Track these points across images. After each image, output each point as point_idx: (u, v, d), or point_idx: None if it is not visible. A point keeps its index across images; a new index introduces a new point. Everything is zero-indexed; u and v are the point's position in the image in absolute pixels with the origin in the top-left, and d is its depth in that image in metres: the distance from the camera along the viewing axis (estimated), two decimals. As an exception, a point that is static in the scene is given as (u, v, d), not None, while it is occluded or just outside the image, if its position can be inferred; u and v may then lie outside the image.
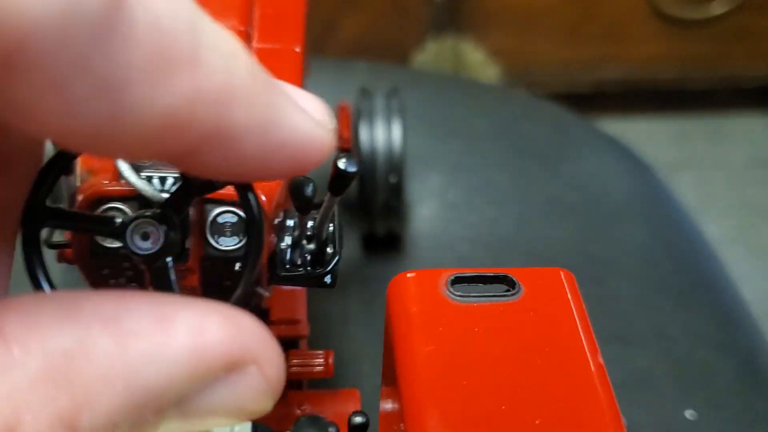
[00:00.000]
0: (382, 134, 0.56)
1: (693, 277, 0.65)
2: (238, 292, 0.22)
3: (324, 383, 0.37)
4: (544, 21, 1.53)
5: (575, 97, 1.40)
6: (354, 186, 0.39)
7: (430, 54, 1.60)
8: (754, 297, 0.68)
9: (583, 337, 0.25)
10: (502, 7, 1.52)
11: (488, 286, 0.27)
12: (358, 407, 0.33)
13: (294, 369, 0.33)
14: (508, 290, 0.26)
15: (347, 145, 0.57)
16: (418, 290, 0.26)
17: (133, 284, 0.31)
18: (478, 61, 1.61)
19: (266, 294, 0.30)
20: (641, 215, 0.70)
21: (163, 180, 0.28)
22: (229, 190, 0.29)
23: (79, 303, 0.15)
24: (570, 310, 0.26)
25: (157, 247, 0.23)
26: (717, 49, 1.54)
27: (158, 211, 0.23)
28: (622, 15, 1.52)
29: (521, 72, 1.57)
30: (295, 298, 0.37)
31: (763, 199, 1.48)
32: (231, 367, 0.16)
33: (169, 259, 0.24)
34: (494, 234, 0.66)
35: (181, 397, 0.15)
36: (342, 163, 0.27)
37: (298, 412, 0.33)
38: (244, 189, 0.22)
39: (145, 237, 0.23)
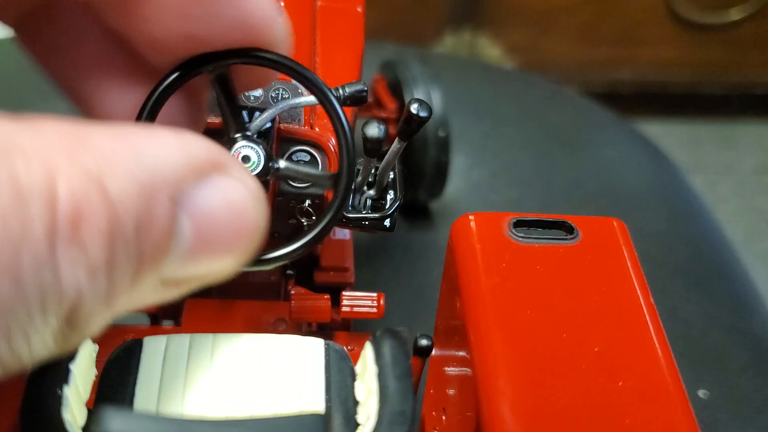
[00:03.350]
0: (425, 95, 0.58)
1: (709, 265, 0.67)
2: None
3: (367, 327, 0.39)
4: (561, 20, 1.54)
5: (588, 96, 1.41)
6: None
7: (448, 48, 1.61)
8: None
9: (634, 279, 0.27)
10: (520, 4, 1.53)
11: (547, 231, 0.28)
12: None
13: (347, 309, 0.35)
14: (567, 235, 0.28)
15: (394, 116, 0.58)
16: (481, 230, 0.28)
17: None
18: (494, 56, 1.62)
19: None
20: (660, 203, 0.71)
21: (251, 114, 0.29)
22: (307, 131, 0.31)
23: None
24: (623, 255, 0.28)
25: (257, 169, 0.25)
26: (732, 56, 1.55)
27: (260, 138, 0.25)
28: (638, 17, 1.53)
29: (536, 69, 1.58)
30: (343, 248, 0.39)
31: (771, 206, 1.50)
32: (215, 167, 0.19)
33: None
34: (517, 214, 0.67)
35: (181, 184, 0.19)
36: (414, 108, 0.28)
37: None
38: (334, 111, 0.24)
39: (246, 160, 0.25)
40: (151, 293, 0.19)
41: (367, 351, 0.23)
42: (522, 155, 0.73)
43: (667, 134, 1.60)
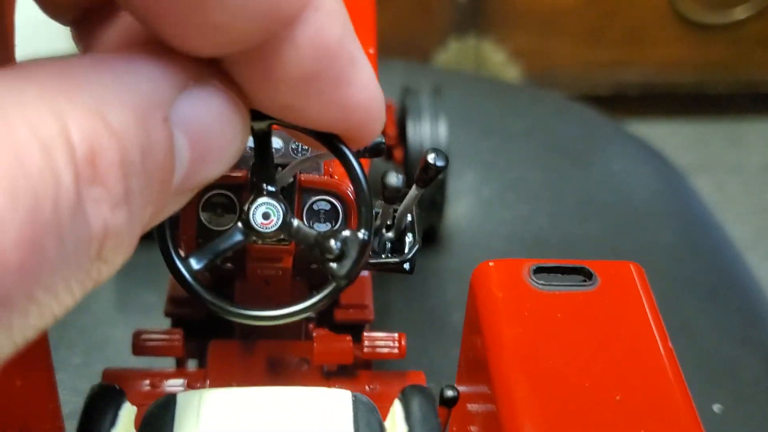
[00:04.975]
0: (429, 130, 0.59)
1: (719, 276, 0.67)
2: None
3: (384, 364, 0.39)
4: (566, 23, 1.55)
5: (595, 98, 1.42)
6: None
7: (452, 53, 1.62)
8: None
9: (653, 324, 0.28)
10: (524, 8, 1.53)
11: (566, 276, 0.29)
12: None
13: (368, 350, 0.36)
14: (585, 280, 0.28)
15: (392, 142, 0.59)
16: (502, 278, 0.28)
17: (229, 265, 0.33)
18: (499, 61, 1.63)
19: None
20: (669, 215, 0.72)
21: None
22: (326, 180, 0.31)
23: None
24: (641, 300, 0.28)
25: (274, 227, 0.26)
26: (737, 54, 1.55)
27: (280, 194, 0.26)
28: (643, 18, 1.53)
29: (542, 73, 1.59)
30: (362, 285, 0.39)
31: (780, 204, 1.50)
32: (194, 78, 0.20)
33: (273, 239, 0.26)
34: (528, 230, 0.68)
35: (168, 102, 0.19)
36: (431, 158, 0.29)
37: (368, 389, 0.36)
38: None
39: (266, 216, 0.26)
40: (164, 210, 0.20)
41: (396, 409, 0.24)
42: (531, 170, 0.73)
43: (674, 134, 1.61)
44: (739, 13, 1.51)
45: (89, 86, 0.18)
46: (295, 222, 0.26)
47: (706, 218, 0.75)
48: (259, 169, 0.26)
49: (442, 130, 0.58)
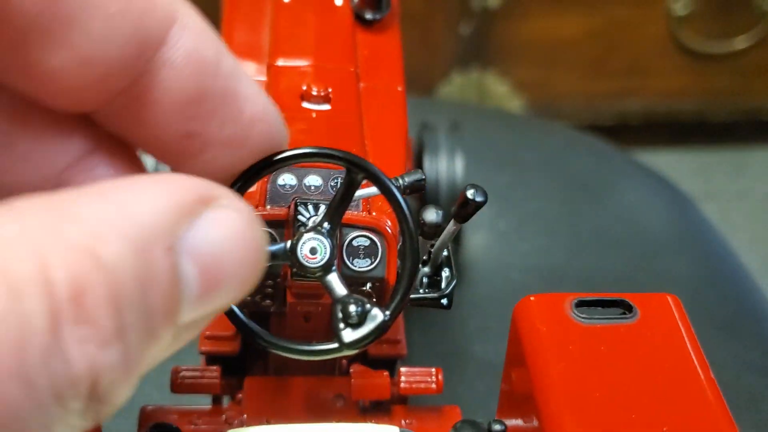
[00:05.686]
0: (446, 167, 0.59)
1: (737, 306, 0.68)
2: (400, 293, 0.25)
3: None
4: (568, 54, 1.56)
5: (598, 129, 1.43)
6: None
7: (456, 86, 1.63)
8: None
9: (694, 356, 0.28)
10: (526, 40, 1.55)
11: (606, 309, 0.29)
12: (459, 422, 0.36)
13: (406, 386, 0.36)
14: (625, 313, 0.29)
15: None
16: (544, 312, 0.29)
17: (268, 301, 0.34)
18: (502, 93, 1.64)
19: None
20: (684, 246, 0.72)
21: (316, 207, 0.31)
22: (366, 217, 0.32)
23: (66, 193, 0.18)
24: (680, 332, 0.29)
25: (322, 262, 0.26)
26: (739, 83, 1.57)
27: (327, 228, 0.26)
28: (645, 49, 1.55)
29: (545, 104, 1.60)
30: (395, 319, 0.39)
31: (785, 232, 1.51)
32: (203, 202, 0.19)
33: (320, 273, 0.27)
34: (545, 263, 0.68)
35: (174, 230, 0.19)
36: (471, 193, 0.30)
37: (404, 423, 0.36)
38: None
39: (313, 251, 0.26)
40: (171, 343, 0.19)
41: None
42: (546, 203, 0.74)
43: (677, 163, 1.62)
44: (740, 42, 1.53)
45: (83, 220, 0.17)
46: (334, 273, 0.26)
47: (721, 247, 0.75)
48: (333, 209, 0.26)
49: (459, 167, 0.59)
